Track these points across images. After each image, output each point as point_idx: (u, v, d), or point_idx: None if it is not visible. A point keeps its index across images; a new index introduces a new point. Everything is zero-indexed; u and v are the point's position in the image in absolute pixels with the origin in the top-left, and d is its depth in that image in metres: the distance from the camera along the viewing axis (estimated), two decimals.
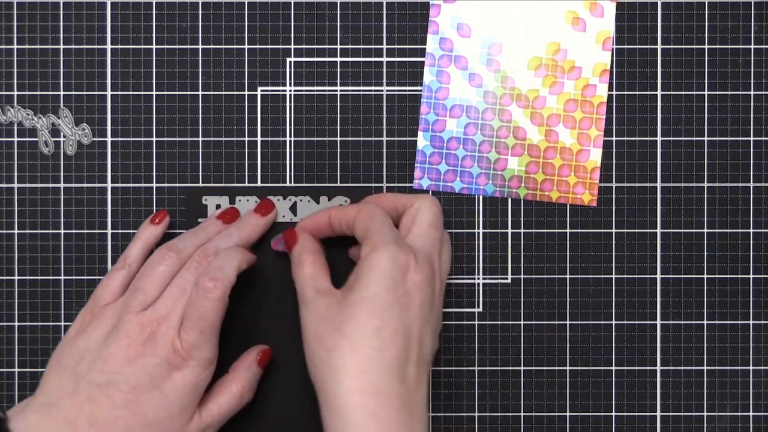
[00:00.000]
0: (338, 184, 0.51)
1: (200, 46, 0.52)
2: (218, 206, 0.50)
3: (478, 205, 0.52)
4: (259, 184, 0.51)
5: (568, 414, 0.51)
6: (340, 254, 0.49)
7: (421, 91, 0.52)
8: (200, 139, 0.52)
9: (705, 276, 0.52)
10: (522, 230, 0.52)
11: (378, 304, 0.41)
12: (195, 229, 0.48)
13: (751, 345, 0.52)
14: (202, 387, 0.43)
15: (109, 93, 0.52)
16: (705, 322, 0.52)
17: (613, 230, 0.52)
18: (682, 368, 0.52)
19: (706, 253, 0.52)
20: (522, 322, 0.52)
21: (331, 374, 0.41)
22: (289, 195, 0.50)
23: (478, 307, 0.52)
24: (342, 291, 0.43)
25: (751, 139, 0.52)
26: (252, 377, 0.47)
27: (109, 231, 0.51)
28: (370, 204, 0.46)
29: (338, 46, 0.52)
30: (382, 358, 0.40)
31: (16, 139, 0.52)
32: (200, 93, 0.52)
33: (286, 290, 0.49)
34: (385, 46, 0.52)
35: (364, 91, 0.52)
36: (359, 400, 0.40)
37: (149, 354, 0.42)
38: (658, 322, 0.52)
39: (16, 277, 0.51)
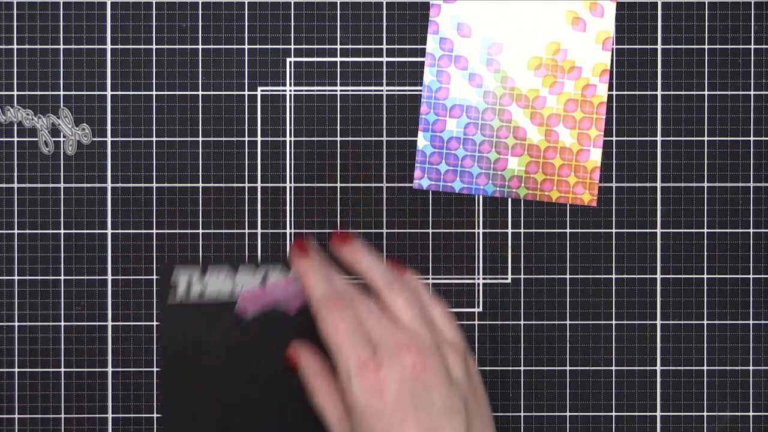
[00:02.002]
0: (338, 184, 0.51)
1: (200, 46, 0.52)
2: (188, 288, 0.49)
3: (478, 205, 0.52)
4: (258, 185, 0.51)
5: (568, 414, 0.52)
6: None
7: (421, 91, 0.52)
8: (200, 139, 0.52)
9: (705, 276, 0.52)
10: (522, 230, 0.52)
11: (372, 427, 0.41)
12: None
13: (751, 345, 0.52)
14: None
15: (109, 93, 0.52)
16: (705, 322, 0.52)
17: (613, 230, 0.52)
18: (682, 368, 0.52)
19: (706, 253, 0.52)
20: (522, 322, 0.52)
21: None
22: (260, 265, 0.50)
23: (478, 307, 0.51)
24: (351, 417, 0.43)
25: (751, 139, 0.52)
26: None
27: (109, 231, 0.51)
28: (330, 312, 0.44)
29: (338, 46, 0.52)
30: None
31: (16, 139, 0.52)
32: (200, 93, 0.52)
33: (257, 361, 0.49)
34: (385, 46, 0.52)
35: (364, 91, 0.52)
36: None
37: None
38: (658, 322, 0.52)
39: (16, 277, 0.51)
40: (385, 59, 0.52)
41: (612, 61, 0.52)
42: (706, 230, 0.52)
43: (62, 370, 0.51)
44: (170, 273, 0.48)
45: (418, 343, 0.43)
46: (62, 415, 0.51)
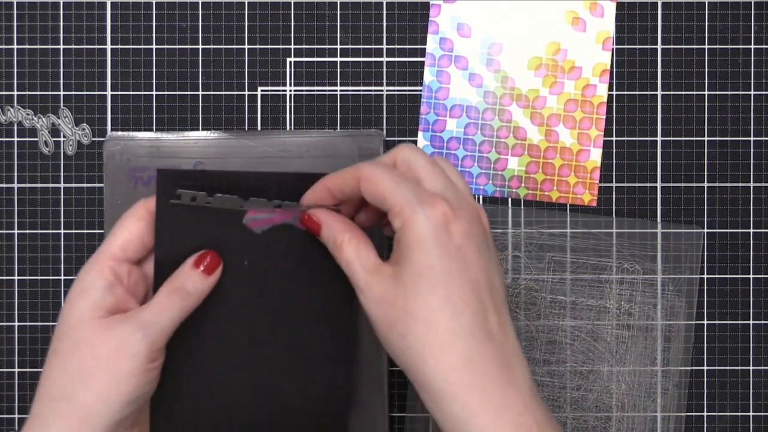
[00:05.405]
0: None
1: (200, 46, 0.52)
2: (194, 198, 0.43)
3: None
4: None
5: (569, 414, 0.51)
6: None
7: (421, 91, 0.52)
8: None
9: (705, 276, 0.52)
10: (522, 230, 0.52)
11: (436, 275, 0.38)
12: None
13: (751, 345, 0.52)
14: None
15: (109, 93, 0.52)
16: (705, 322, 0.52)
17: (614, 230, 0.52)
18: (681, 368, 0.52)
19: (706, 252, 0.52)
20: (522, 322, 0.52)
21: (416, 359, 0.38)
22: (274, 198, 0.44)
23: None
24: (391, 265, 0.39)
25: (751, 139, 0.52)
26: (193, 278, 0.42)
27: None
28: (368, 166, 0.40)
29: (338, 46, 0.52)
30: (460, 325, 0.37)
31: (16, 139, 0.52)
32: (200, 93, 0.52)
33: (268, 271, 0.44)
34: (385, 46, 0.52)
35: (364, 91, 0.52)
36: (455, 377, 0.37)
37: None
38: (659, 322, 0.52)
39: (16, 277, 0.51)
40: (385, 59, 0.52)
41: (612, 61, 0.52)
42: (706, 230, 0.52)
43: None
44: (171, 186, 0.42)
45: (476, 204, 0.40)
46: None
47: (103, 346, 0.39)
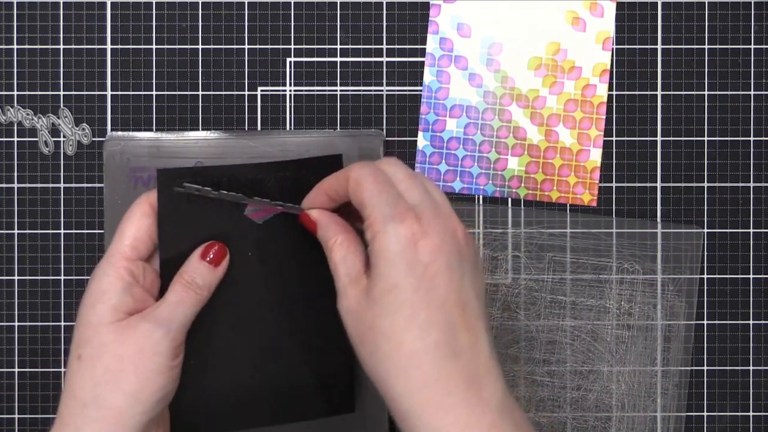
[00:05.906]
0: None
1: (200, 46, 0.52)
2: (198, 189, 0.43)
3: (478, 205, 0.52)
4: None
5: (569, 414, 0.52)
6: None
7: (421, 91, 0.52)
8: None
9: (705, 276, 0.52)
10: (522, 230, 0.52)
11: (402, 293, 0.38)
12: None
13: (751, 345, 0.52)
14: None
15: (109, 93, 0.52)
16: (705, 322, 0.52)
17: (614, 230, 0.52)
18: (681, 368, 0.52)
19: (706, 253, 0.52)
20: (522, 323, 0.52)
21: (384, 377, 0.38)
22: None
23: None
24: (366, 278, 0.40)
25: (751, 139, 0.52)
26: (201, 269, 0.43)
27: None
28: (358, 168, 0.40)
29: (338, 46, 0.52)
30: (425, 345, 0.37)
31: (16, 139, 0.52)
32: (200, 93, 0.52)
33: (274, 260, 0.45)
34: (385, 46, 0.52)
35: (364, 91, 0.52)
36: (421, 397, 0.37)
37: None
38: (659, 322, 0.52)
39: (16, 277, 0.51)
40: (385, 59, 0.52)
41: (612, 61, 0.52)
42: (706, 230, 0.52)
43: (62, 370, 0.51)
44: (171, 185, 0.42)
45: (454, 219, 0.40)
46: None
47: (127, 348, 0.39)
